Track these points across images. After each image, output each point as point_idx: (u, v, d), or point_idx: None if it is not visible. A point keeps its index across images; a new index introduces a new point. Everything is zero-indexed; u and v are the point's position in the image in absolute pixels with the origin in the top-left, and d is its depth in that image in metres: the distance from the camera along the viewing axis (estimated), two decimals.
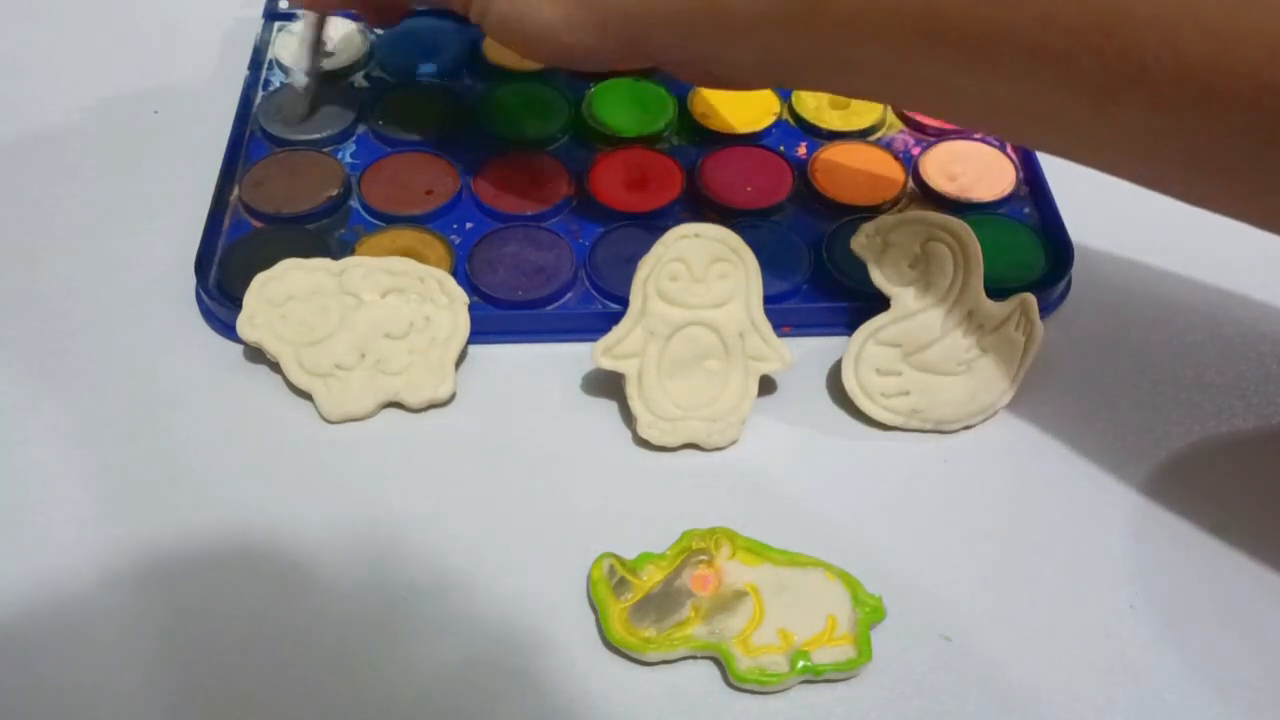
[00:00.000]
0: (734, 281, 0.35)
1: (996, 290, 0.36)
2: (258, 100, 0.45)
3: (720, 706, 0.30)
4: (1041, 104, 0.28)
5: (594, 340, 0.35)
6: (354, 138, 0.44)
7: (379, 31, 0.48)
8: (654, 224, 0.40)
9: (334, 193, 0.41)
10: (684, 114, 0.45)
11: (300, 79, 0.45)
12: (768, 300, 0.35)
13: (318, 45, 0.45)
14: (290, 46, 0.47)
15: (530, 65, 0.47)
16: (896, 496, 0.34)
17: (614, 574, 0.31)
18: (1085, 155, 0.30)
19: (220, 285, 0.38)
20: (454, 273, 0.39)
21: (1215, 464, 0.35)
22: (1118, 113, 0.27)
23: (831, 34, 0.30)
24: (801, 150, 0.44)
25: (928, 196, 0.42)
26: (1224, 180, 0.28)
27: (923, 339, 0.35)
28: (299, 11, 0.49)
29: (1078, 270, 0.40)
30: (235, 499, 0.34)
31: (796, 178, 0.42)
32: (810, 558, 0.32)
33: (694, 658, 0.31)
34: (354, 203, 0.42)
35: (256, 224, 0.41)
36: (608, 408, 0.37)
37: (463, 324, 0.37)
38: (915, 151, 0.44)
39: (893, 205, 0.42)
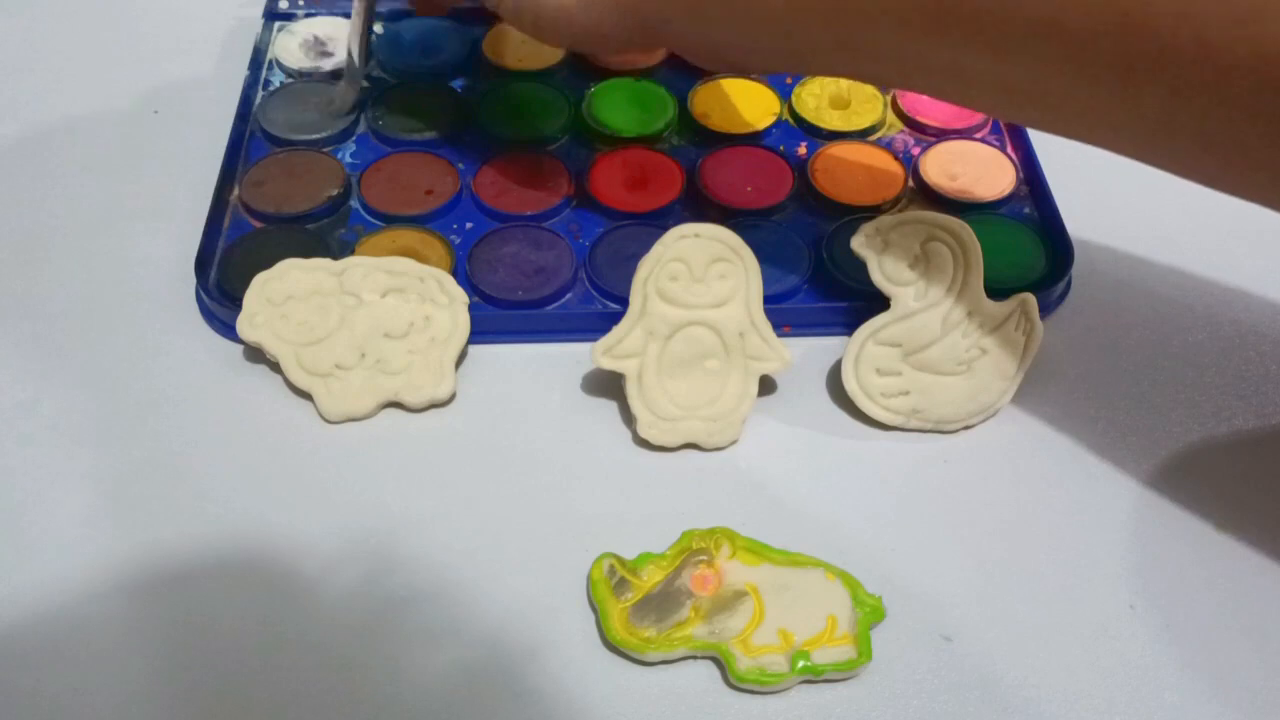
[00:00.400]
0: (734, 281, 0.35)
1: (996, 290, 0.36)
2: (258, 100, 0.45)
3: (720, 706, 0.30)
4: (1056, 86, 0.28)
5: (594, 340, 0.35)
6: (354, 138, 0.44)
7: (379, 31, 0.48)
8: (654, 224, 0.40)
9: (334, 193, 0.41)
10: (684, 114, 0.45)
11: (355, 70, 0.44)
12: (768, 300, 0.35)
13: (367, 32, 0.44)
14: (340, 34, 0.47)
15: (530, 65, 0.47)
16: (896, 496, 0.34)
17: (614, 574, 0.31)
18: (1099, 138, 0.30)
19: (220, 285, 0.38)
20: (454, 273, 0.39)
21: (1215, 464, 0.35)
22: (1132, 94, 0.27)
23: (844, 16, 0.29)
24: (801, 150, 0.44)
25: (928, 196, 0.42)
26: (1242, 164, 0.28)
27: (923, 339, 0.35)
28: (298, 9, 0.49)
29: (1078, 270, 0.40)
30: (235, 499, 0.34)
31: (796, 178, 0.42)
32: (810, 558, 0.32)
33: (694, 658, 0.31)
34: (354, 203, 0.42)
35: (256, 224, 0.41)
36: (608, 408, 0.37)
37: (462, 324, 0.37)
38: (915, 151, 0.44)
39: (893, 205, 0.42)
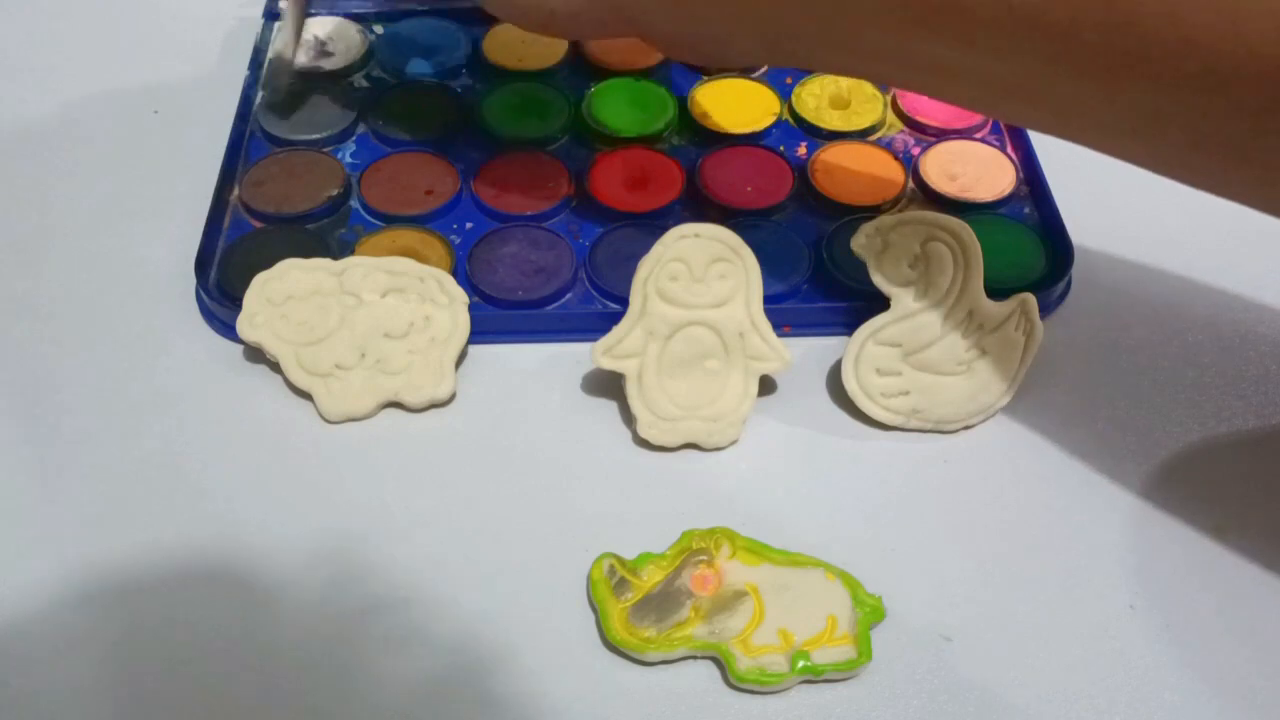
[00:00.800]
0: (734, 281, 0.35)
1: (996, 290, 0.36)
2: (258, 100, 0.45)
3: (720, 706, 0.30)
4: (1041, 83, 0.28)
5: (594, 340, 0.35)
6: (354, 138, 0.44)
7: (379, 31, 0.48)
8: (654, 224, 0.39)
9: (334, 193, 0.41)
10: (684, 114, 0.45)
11: (285, 66, 0.45)
12: (768, 300, 0.35)
13: (299, 31, 0.45)
14: (276, 37, 0.48)
15: (530, 65, 0.47)
16: (896, 496, 0.34)
17: (614, 574, 0.31)
18: (1086, 136, 0.30)
19: (220, 285, 0.38)
20: (454, 273, 0.39)
21: (1215, 464, 0.35)
22: (1118, 91, 0.26)
23: (824, 9, 0.29)
24: (801, 150, 0.44)
25: (928, 196, 0.42)
26: (1230, 164, 0.27)
27: (923, 339, 0.35)
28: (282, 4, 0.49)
29: (1078, 270, 0.40)
30: (234, 499, 0.34)
31: (796, 178, 0.42)
32: (810, 558, 0.32)
33: (694, 658, 0.31)
34: (354, 203, 0.42)
35: (256, 224, 0.41)
36: (608, 408, 0.37)
37: (462, 324, 0.37)
38: (915, 151, 0.44)
39: (893, 205, 0.42)
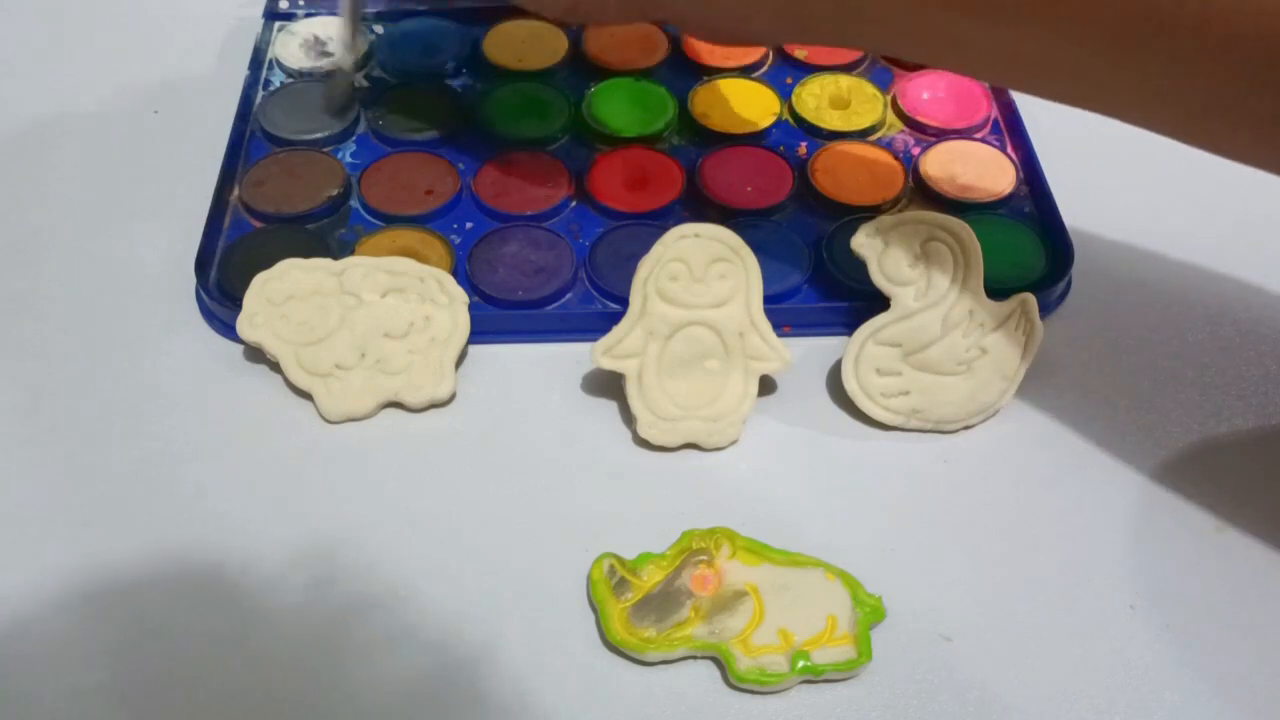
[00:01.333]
0: (734, 281, 0.35)
1: (996, 290, 0.36)
2: (258, 100, 0.45)
3: (720, 706, 0.30)
4: (1060, 56, 0.28)
5: (594, 340, 0.35)
6: (354, 138, 0.44)
7: (379, 31, 0.48)
8: (654, 224, 0.40)
9: (334, 193, 0.41)
10: (684, 114, 0.45)
11: (346, 64, 0.44)
12: (768, 300, 0.35)
13: (355, 29, 0.45)
14: (330, 34, 0.47)
15: (530, 65, 0.47)
16: (896, 496, 0.34)
17: (614, 574, 0.31)
18: (1104, 106, 0.30)
19: (220, 285, 0.38)
20: (454, 273, 0.39)
21: (1215, 464, 0.35)
22: (1137, 63, 0.26)
23: None
24: (801, 150, 0.44)
25: (928, 196, 0.42)
26: (1248, 132, 0.27)
27: (923, 339, 0.35)
28: (298, 9, 0.49)
29: (1078, 270, 0.40)
30: (235, 499, 0.34)
31: (796, 178, 0.42)
32: (810, 558, 0.32)
33: (694, 658, 0.31)
34: (354, 203, 0.42)
35: (256, 224, 0.41)
36: (608, 408, 0.37)
37: (462, 324, 0.37)
38: (915, 151, 0.44)
39: (893, 205, 0.42)
